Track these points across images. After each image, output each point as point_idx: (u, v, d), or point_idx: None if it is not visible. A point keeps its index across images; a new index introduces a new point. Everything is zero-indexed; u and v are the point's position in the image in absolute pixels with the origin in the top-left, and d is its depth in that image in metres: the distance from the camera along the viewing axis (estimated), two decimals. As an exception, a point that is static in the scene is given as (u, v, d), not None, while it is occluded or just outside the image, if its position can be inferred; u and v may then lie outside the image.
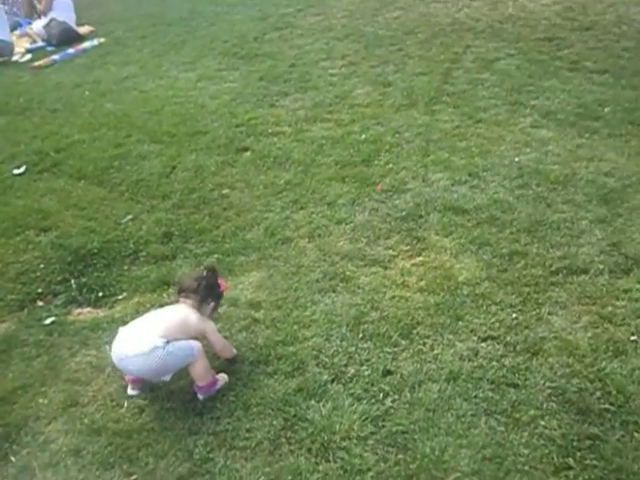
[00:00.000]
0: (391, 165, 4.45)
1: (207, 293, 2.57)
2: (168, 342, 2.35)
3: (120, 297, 3.32)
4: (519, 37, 6.97)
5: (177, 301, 2.62)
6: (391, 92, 5.88)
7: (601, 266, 3.11)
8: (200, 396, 2.50)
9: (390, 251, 3.46)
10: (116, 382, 2.65)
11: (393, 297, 3.04)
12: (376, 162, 4.53)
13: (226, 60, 7.17)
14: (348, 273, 3.28)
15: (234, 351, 2.67)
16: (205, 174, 4.53)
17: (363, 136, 4.96)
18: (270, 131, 5.22)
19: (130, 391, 2.58)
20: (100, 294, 3.35)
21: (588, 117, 4.93)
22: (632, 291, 2.92)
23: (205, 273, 2.62)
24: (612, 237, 3.35)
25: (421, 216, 3.77)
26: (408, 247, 3.48)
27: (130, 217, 4.03)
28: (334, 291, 3.15)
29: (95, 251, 3.66)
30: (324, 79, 6.41)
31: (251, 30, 8.29)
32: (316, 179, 4.34)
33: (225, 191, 4.31)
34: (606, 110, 5.01)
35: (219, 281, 2.68)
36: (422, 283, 3.14)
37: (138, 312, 3.02)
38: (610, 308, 2.83)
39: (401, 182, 4.20)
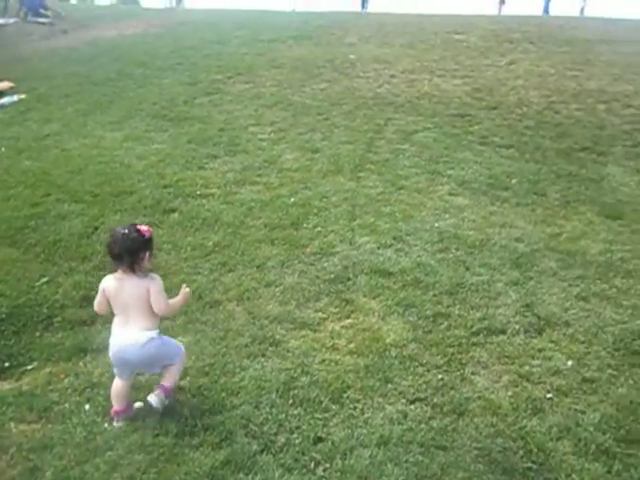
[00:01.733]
0: (319, 228, 4.55)
1: (134, 249, 2.49)
2: (160, 333, 2.57)
3: (29, 367, 3.06)
4: (435, 112, 7.55)
5: (115, 270, 2.56)
6: (318, 158, 6.11)
7: (517, 326, 3.29)
8: (158, 400, 2.58)
9: (320, 313, 3.48)
10: (20, 464, 2.40)
11: (323, 360, 3.03)
12: (305, 225, 4.62)
13: (154, 122, 7.18)
14: (278, 337, 3.24)
15: (185, 291, 2.69)
16: (130, 235, 4.39)
17: (292, 200, 5.07)
18: (199, 193, 5.21)
19: (115, 423, 2.61)
20: (6, 364, 3.08)
21: (498, 187, 5.36)
22: (546, 350, 3.10)
23: (122, 230, 2.52)
24: (525, 299, 3.58)
25: (349, 278, 3.85)
26: (337, 309, 3.52)
27: (45, 280, 3.80)
28: (263, 355, 3.09)
29: (3, 317, 3.40)
30: (253, 144, 6.56)
31: (181, 94, 8.41)
32: (245, 241, 4.34)
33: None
34: (513, 181, 5.48)
35: (140, 229, 2.53)
36: (352, 345, 3.16)
37: (50, 384, 2.80)
38: (527, 367, 2.97)
39: (329, 245, 4.30)
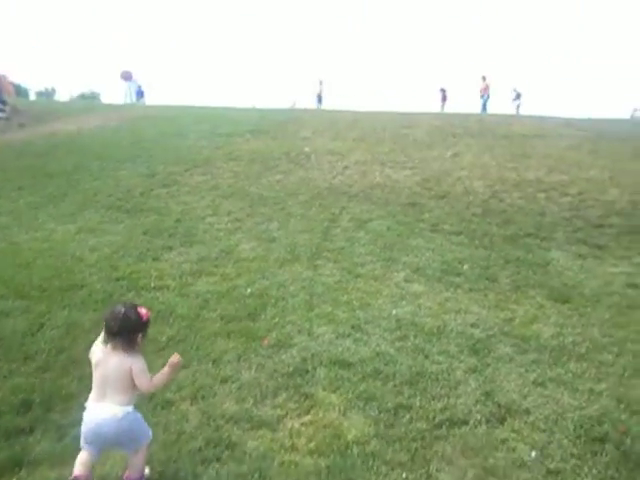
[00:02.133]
0: (277, 319, 4.49)
1: (131, 330, 2.60)
2: (135, 409, 2.63)
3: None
4: (387, 201, 7.87)
5: (106, 343, 2.64)
6: (275, 247, 6.16)
7: (478, 416, 3.25)
8: None
9: (278, 410, 3.34)
10: None
11: (282, 463, 2.87)
12: (262, 316, 4.55)
13: (109, 213, 7.14)
14: (234, 438, 3.07)
15: (174, 361, 2.71)
16: (77, 332, 4.19)
17: (249, 290, 5.03)
18: (153, 285, 5.10)
19: None
20: None
21: (451, 273, 5.51)
22: (509, 440, 3.05)
23: (123, 309, 2.62)
24: (485, 386, 3.57)
25: (308, 371, 3.75)
26: (296, 405, 3.39)
27: (-20, 384, 3.52)
28: (218, 460, 2.90)
29: None
30: (210, 234, 6.58)
31: (137, 185, 8.47)
32: (200, 335, 4.21)
33: (100, 350, 3.99)
34: (465, 267, 5.66)
35: (139, 312, 2.64)
36: (312, 445, 3.02)
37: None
38: (492, 460, 2.90)
39: (287, 336, 4.22)
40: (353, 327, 4.36)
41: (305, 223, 6.98)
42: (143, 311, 2.65)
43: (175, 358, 2.70)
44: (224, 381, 3.63)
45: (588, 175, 9.00)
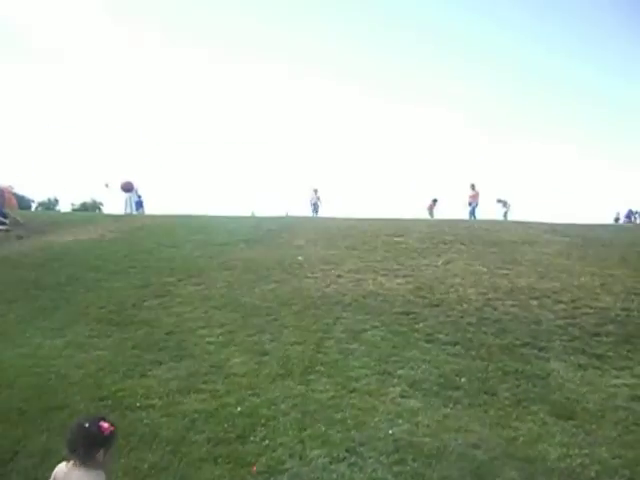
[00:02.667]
0: (267, 441, 4.26)
1: (89, 445, 2.45)
2: None
3: None
4: (381, 311, 7.81)
5: (68, 460, 2.52)
6: (267, 361, 6.00)
7: None
8: None
9: None
10: None
11: None
12: (252, 438, 4.32)
13: (99, 327, 7.03)
14: None
15: None
16: (54, 460, 3.87)
17: (238, 409, 4.82)
18: (138, 405, 4.89)
19: None
20: None
21: (449, 387, 5.33)
22: None
23: (83, 423, 2.49)
24: (491, 519, 3.30)
25: (300, 503, 3.48)
26: None
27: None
28: None
29: None
30: (201, 347, 6.44)
31: (130, 297, 8.43)
32: (185, 461, 3.97)
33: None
34: (463, 380, 5.48)
35: (100, 426, 2.48)
36: None
37: None
38: None
39: (278, 461, 3.98)
40: (348, 450, 4.13)
41: (298, 334, 6.86)
42: (105, 425, 2.50)
43: None
44: (208, 516, 3.34)
45: (579, 282, 9.06)
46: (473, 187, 22.54)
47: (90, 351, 6.21)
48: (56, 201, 54.67)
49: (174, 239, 13.37)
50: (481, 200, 22.47)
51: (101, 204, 52.45)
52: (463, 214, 22.04)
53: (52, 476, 2.57)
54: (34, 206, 45.31)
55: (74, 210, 43.46)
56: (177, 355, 6.15)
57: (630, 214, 26.71)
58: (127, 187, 29.08)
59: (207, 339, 6.71)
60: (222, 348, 6.41)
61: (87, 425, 2.47)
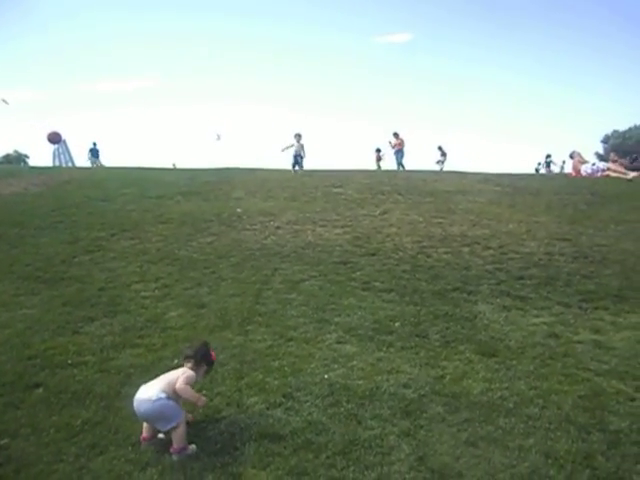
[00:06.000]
0: (204, 391, 4.27)
1: (200, 359, 3.78)
2: (168, 398, 3.52)
3: None
4: (319, 261, 7.89)
5: (181, 365, 3.80)
6: (205, 313, 5.97)
7: (412, 484, 3.17)
8: (174, 457, 3.46)
9: (203, 496, 3.12)
10: None
11: None
12: (189, 389, 4.31)
13: (25, 284, 6.71)
14: (153, 533, 2.81)
15: (202, 400, 3.77)
16: (-20, 419, 3.80)
17: (175, 361, 4.76)
18: (70, 362, 4.76)
19: (143, 447, 3.57)
20: None
21: (383, 331, 5.52)
22: (442, 509, 2.97)
23: (200, 345, 3.88)
24: (418, 451, 3.51)
25: (236, 448, 3.57)
26: (222, 488, 3.18)
27: None
28: None
29: None
30: (136, 302, 6.30)
31: (59, 253, 8.07)
32: (120, 415, 3.93)
33: (4, 441, 3.63)
34: (397, 324, 5.70)
35: (211, 352, 3.90)
36: (239, 532, 2.81)
37: None
38: (426, 532, 2.81)
39: (215, 410, 4.03)
40: (284, 395, 4.22)
41: (236, 286, 6.85)
42: (214, 354, 3.95)
43: (203, 400, 3.76)
44: (144, 467, 3.37)
45: (507, 229, 9.49)
46: (397, 135, 22.66)
47: (16, 310, 5.94)
48: (-26, 153, 50.72)
49: (105, 192, 12.80)
50: (407, 149, 22.64)
51: (26, 157, 49.19)
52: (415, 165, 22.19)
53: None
54: (-51, 158, 41.86)
55: (-5, 163, 40.50)
56: (111, 311, 6.00)
57: (548, 161, 27.80)
58: (54, 138, 27.25)
59: (142, 294, 6.57)
60: (158, 302, 6.31)
61: (204, 346, 3.88)
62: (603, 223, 9.86)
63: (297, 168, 17.21)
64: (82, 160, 27.40)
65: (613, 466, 3.35)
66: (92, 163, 26.22)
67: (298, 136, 17.17)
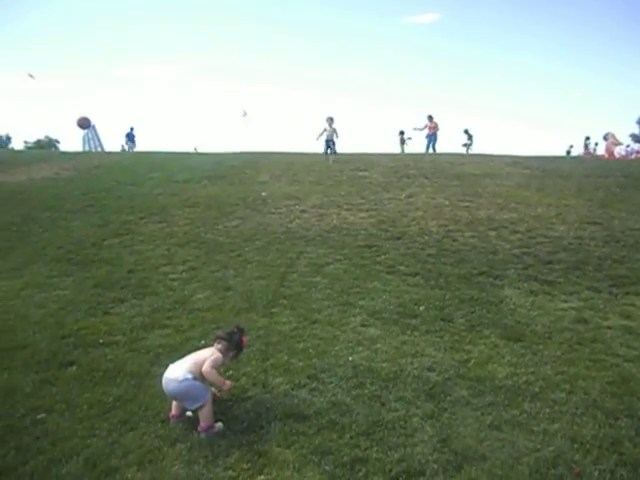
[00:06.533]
0: (231, 372, 4.36)
1: (232, 344, 3.79)
2: (195, 378, 3.56)
3: None
4: (344, 244, 7.91)
5: (211, 344, 3.84)
6: (231, 296, 6.06)
7: (435, 465, 3.19)
8: (202, 435, 3.54)
9: (230, 472, 3.20)
10: None
11: (233, 530, 2.72)
12: (216, 370, 4.41)
13: (58, 266, 6.91)
14: (182, 506, 2.90)
15: (227, 384, 3.75)
16: (17, 397, 3.96)
17: (202, 342, 4.87)
18: (101, 341, 4.91)
19: (172, 424, 3.68)
20: None
21: (407, 315, 5.52)
22: (466, 490, 2.99)
23: (235, 329, 3.86)
24: (441, 433, 3.53)
25: (262, 427, 3.63)
26: (249, 465, 3.26)
27: None
28: (165, 532, 2.73)
29: None
30: (164, 284, 6.43)
31: (89, 236, 8.26)
32: (150, 393, 4.04)
33: (40, 416, 3.77)
34: (421, 308, 5.68)
35: (243, 338, 3.87)
36: (264, 508, 2.88)
37: None
38: (449, 512, 2.83)
39: (241, 390, 4.10)
40: (309, 377, 4.28)
41: (262, 269, 6.92)
42: (245, 340, 3.92)
43: (227, 386, 3.73)
44: (173, 443, 3.47)
45: (536, 212, 9.32)
46: (431, 118, 22.26)
47: (50, 291, 6.13)
48: (8, 139, 52.02)
49: (133, 177, 13.01)
50: (440, 133, 22.22)
51: (57, 142, 50.24)
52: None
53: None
54: (-16, 144, 43.03)
55: (28, 148, 41.49)
56: (140, 292, 6.14)
57: (587, 143, 26.81)
58: (84, 123, 27.70)
59: (170, 276, 6.69)
60: (185, 285, 6.42)
61: (236, 334, 3.83)
62: (636, 206, 9.59)
63: (329, 152, 15.92)
64: (112, 145, 27.74)
65: (641, 452, 3.31)
66: (129, 148, 26.41)
67: (330, 119, 15.84)
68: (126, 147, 26.52)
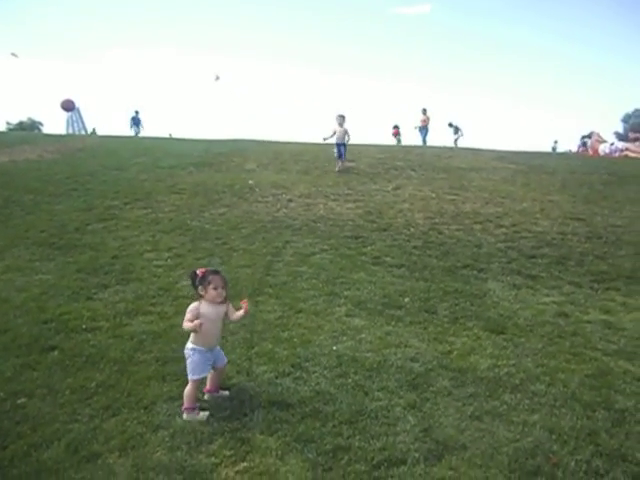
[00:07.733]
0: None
1: (195, 284, 3.70)
2: (193, 349, 3.69)
3: None
4: (330, 234, 7.92)
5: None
6: (216, 284, 6.02)
7: (416, 454, 3.23)
8: (184, 415, 3.58)
9: (212, 458, 3.20)
10: None
11: (215, 516, 2.73)
12: (200, 357, 4.39)
13: (40, 250, 6.81)
14: (164, 492, 2.90)
15: (197, 323, 3.61)
16: (-2, 380, 3.92)
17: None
18: (84, 327, 4.86)
19: (205, 397, 3.85)
20: None
21: (392, 306, 5.56)
22: (446, 479, 3.03)
23: (190, 275, 3.80)
24: (423, 422, 3.57)
25: (246, 414, 3.64)
26: (232, 452, 3.26)
27: None
28: (146, 517, 2.73)
29: None
30: (148, 270, 6.38)
31: (73, 220, 8.15)
32: (133, 379, 4.02)
33: (21, 400, 3.74)
34: (406, 300, 5.72)
35: (197, 272, 3.72)
36: (246, 494, 2.90)
37: None
38: (429, 500, 2.87)
39: (225, 377, 4.10)
40: (293, 365, 4.29)
41: (248, 258, 6.90)
42: (200, 271, 3.73)
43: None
44: (156, 429, 3.45)
45: (521, 207, 9.42)
46: (424, 112, 22.36)
47: (31, 275, 6.04)
48: (-11, 120, 50.92)
49: (118, 161, 12.84)
50: (431, 126, 22.35)
51: (40, 124, 49.29)
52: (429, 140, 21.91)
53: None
54: (-36, 125, 42.03)
55: (10, 130, 40.64)
56: (124, 278, 6.09)
57: (584, 141, 26.58)
58: (68, 106, 27.23)
59: (155, 262, 6.64)
60: (170, 271, 6.38)
61: (191, 273, 3.77)
62: (619, 204, 9.74)
63: (341, 160, 12.88)
64: (94, 127, 27.25)
65: (616, 443, 3.38)
66: (135, 133, 25.80)
67: (341, 118, 12.97)
68: (132, 132, 25.79)
